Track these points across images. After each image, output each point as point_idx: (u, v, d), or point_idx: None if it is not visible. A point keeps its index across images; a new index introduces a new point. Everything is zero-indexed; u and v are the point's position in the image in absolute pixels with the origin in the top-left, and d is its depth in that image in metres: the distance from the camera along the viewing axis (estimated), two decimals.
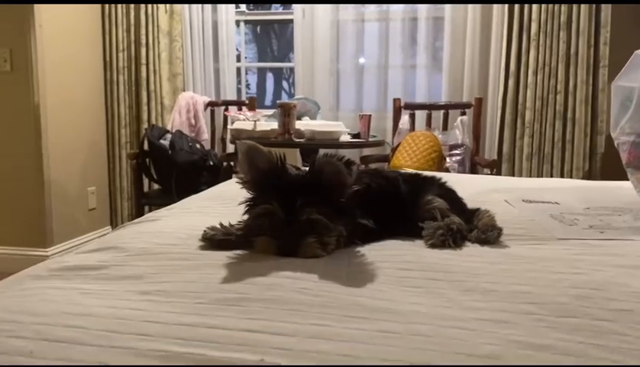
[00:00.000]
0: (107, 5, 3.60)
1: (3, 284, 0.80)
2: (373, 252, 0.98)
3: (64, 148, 3.27)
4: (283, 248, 0.93)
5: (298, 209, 0.92)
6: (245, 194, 1.01)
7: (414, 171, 1.32)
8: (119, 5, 3.59)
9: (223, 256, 0.93)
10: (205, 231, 1.01)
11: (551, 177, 3.20)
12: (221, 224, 1.03)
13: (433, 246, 1.01)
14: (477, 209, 1.16)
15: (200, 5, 3.69)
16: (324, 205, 0.93)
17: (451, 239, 1.02)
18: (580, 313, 0.72)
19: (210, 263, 0.88)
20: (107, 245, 0.98)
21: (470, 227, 1.09)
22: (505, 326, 0.68)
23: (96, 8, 3.60)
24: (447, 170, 2.98)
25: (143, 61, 3.64)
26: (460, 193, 1.26)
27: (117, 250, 0.95)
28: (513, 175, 3.28)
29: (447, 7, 3.47)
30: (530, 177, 3.21)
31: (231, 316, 0.68)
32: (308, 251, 0.93)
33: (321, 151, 1.03)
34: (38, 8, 3.02)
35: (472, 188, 1.61)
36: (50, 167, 3.15)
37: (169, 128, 3.46)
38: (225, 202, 1.38)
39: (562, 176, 3.20)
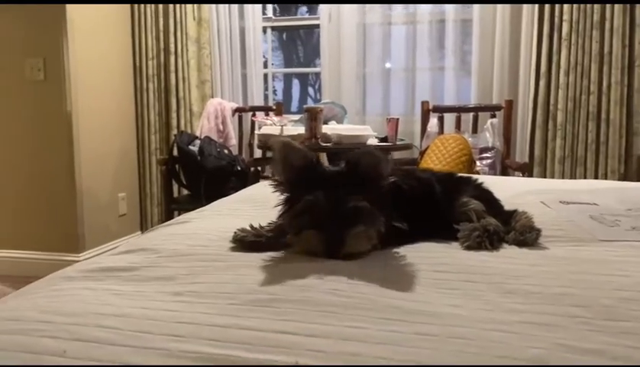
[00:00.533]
0: (137, 14, 3.66)
1: (35, 286, 0.81)
2: (408, 254, 0.96)
3: (95, 155, 3.33)
4: (330, 241, 0.89)
5: (340, 199, 0.89)
6: (277, 196, 0.99)
7: (448, 172, 1.29)
8: (148, 13, 3.64)
9: (254, 257, 0.92)
10: (235, 232, 1.00)
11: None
12: (251, 226, 1.02)
13: (469, 248, 0.98)
14: (514, 211, 1.13)
15: (228, 12, 3.72)
16: (366, 195, 0.90)
17: (488, 241, 0.99)
18: (627, 316, 0.69)
19: (241, 264, 0.87)
20: (138, 247, 0.98)
21: (508, 229, 1.06)
22: (550, 329, 0.65)
23: (126, 16, 3.66)
24: (477, 174, 2.92)
25: (173, 68, 3.68)
26: (497, 195, 1.23)
27: (148, 252, 0.95)
28: (545, 178, 3.20)
29: (476, 8, 3.42)
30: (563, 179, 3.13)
31: (264, 318, 0.66)
32: (355, 242, 0.90)
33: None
34: (71, 17, 3.08)
35: (506, 190, 1.56)
36: (82, 173, 3.20)
37: (197, 134, 3.49)
38: (255, 204, 1.38)
39: (596, 178, 3.11)
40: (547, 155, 3.28)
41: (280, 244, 0.99)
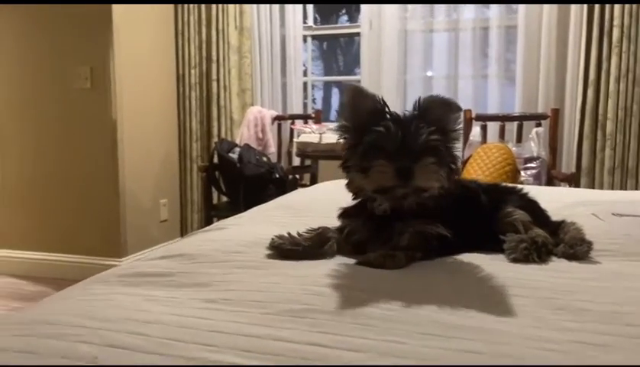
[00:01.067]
0: (180, 23, 3.72)
1: (71, 289, 0.81)
2: (451, 265, 0.92)
3: (138, 161, 3.39)
4: (401, 171, 0.86)
5: (414, 131, 0.87)
6: (314, 198, 0.97)
7: (492, 182, 1.24)
8: (192, 23, 3.70)
9: (290, 266, 0.89)
10: (272, 239, 0.98)
11: None
12: (289, 233, 1.00)
13: (515, 260, 0.94)
14: (562, 222, 1.07)
15: (269, 21, 3.74)
16: (438, 134, 0.88)
17: (536, 254, 0.94)
18: None
19: (277, 272, 0.85)
20: (175, 253, 0.97)
21: (556, 241, 1.00)
22: (606, 350, 0.60)
23: (170, 26, 3.73)
24: (521, 184, 2.83)
25: (214, 77, 3.73)
26: (544, 207, 1.17)
27: (184, 257, 0.94)
28: (594, 189, 3.08)
29: (521, 14, 3.34)
30: None
31: (298, 329, 0.64)
32: (425, 175, 0.87)
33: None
34: (117, 27, 3.15)
35: (553, 201, 1.50)
36: (125, 179, 3.26)
37: (237, 141, 3.52)
38: (292, 212, 1.36)
39: None
40: (596, 166, 3.15)
41: (317, 253, 0.97)
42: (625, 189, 3.07)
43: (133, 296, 0.74)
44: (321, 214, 1.23)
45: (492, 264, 0.92)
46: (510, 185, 1.20)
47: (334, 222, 1.05)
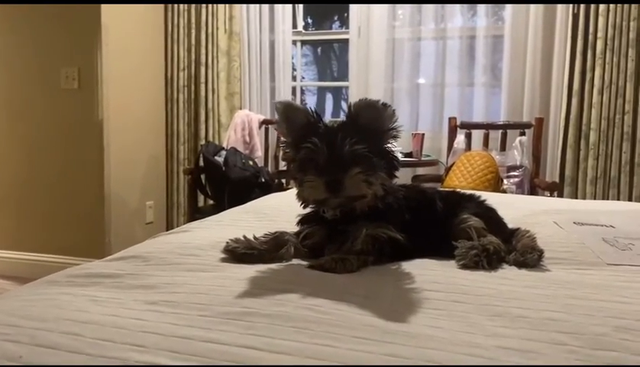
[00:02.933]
0: (170, 26, 3.74)
1: (19, 289, 0.81)
2: (398, 270, 0.93)
3: (125, 163, 3.39)
4: (329, 184, 0.90)
5: (339, 144, 0.91)
6: (288, 203, 1.00)
7: (455, 189, 1.26)
8: (181, 26, 3.72)
9: (242, 269, 0.90)
10: (227, 243, 0.99)
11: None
12: (245, 237, 1.01)
13: (465, 267, 0.95)
14: (517, 230, 1.09)
15: (258, 26, 3.76)
16: (365, 143, 0.91)
17: (486, 260, 0.95)
18: (619, 347, 0.64)
19: (225, 275, 0.86)
20: (130, 254, 0.98)
21: (509, 248, 1.01)
22: (530, 357, 0.61)
23: (160, 28, 3.74)
24: (504, 192, 2.85)
25: (203, 80, 3.74)
26: (510, 214, 1.19)
27: (138, 259, 0.95)
28: (576, 199, 3.10)
29: (507, 24, 3.37)
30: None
31: (232, 331, 0.65)
32: (354, 184, 0.90)
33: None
34: (105, 28, 3.16)
35: (523, 209, 1.52)
36: (111, 180, 3.26)
37: (225, 145, 3.53)
38: (260, 216, 1.37)
39: (630, 201, 2.99)
40: (579, 175, 3.18)
41: (273, 257, 0.98)
42: (607, 198, 3.09)
43: (76, 296, 0.75)
44: (288, 219, 1.23)
45: (440, 270, 0.93)
46: (469, 192, 1.21)
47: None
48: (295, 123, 0.98)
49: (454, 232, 1.04)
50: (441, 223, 1.07)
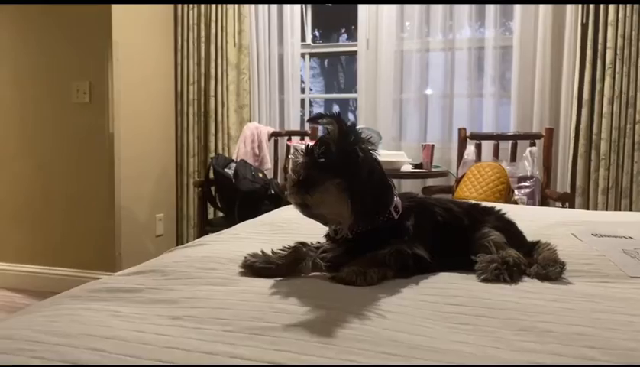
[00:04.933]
0: (180, 40, 3.76)
1: (40, 304, 0.81)
2: (420, 285, 0.92)
3: (135, 176, 3.40)
4: (299, 202, 0.97)
5: (297, 165, 0.98)
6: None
7: (473, 202, 1.25)
8: (191, 40, 3.75)
9: (262, 284, 0.90)
10: (245, 257, 0.99)
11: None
12: (262, 251, 1.01)
13: (485, 281, 0.94)
14: (537, 242, 1.08)
15: (267, 39, 3.79)
16: (319, 161, 0.95)
17: (507, 274, 0.94)
18: None
19: (246, 289, 0.86)
20: (148, 268, 0.98)
21: (530, 261, 1.00)
22: None
23: (169, 42, 3.77)
24: (515, 203, 2.84)
25: (212, 93, 3.76)
26: (526, 226, 1.18)
27: (157, 273, 0.94)
28: (588, 210, 3.08)
29: (516, 35, 3.37)
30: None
31: (257, 347, 0.64)
32: (291, 193, 0.98)
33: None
34: (116, 42, 3.19)
35: (539, 220, 1.51)
36: (121, 193, 3.27)
37: (234, 157, 3.53)
38: (275, 228, 1.36)
39: None
40: (590, 186, 3.16)
41: (291, 271, 0.97)
42: (620, 209, 3.07)
43: (99, 311, 0.75)
44: (305, 231, 1.23)
45: (462, 284, 0.92)
46: (489, 205, 1.20)
47: (315, 239, 1.06)
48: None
49: (474, 246, 1.03)
50: (463, 238, 1.06)
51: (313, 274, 0.99)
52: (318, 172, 0.95)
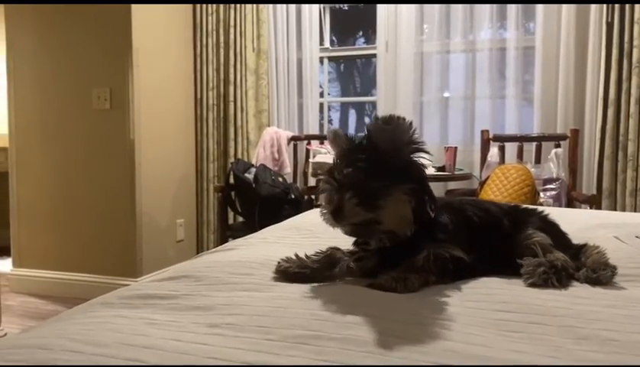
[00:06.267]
0: (199, 46, 3.77)
1: (72, 311, 0.79)
2: (464, 290, 0.88)
3: (156, 182, 3.40)
4: (334, 213, 0.89)
5: (344, 174, 0.89)
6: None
7: (513, 203, 1.20)
8: (210, 46, 3.74)
9: (297, 289, 0.86)
10: (279, 262, 0.96)
11: None
12: (296, 255, 0.97)
13: (533, 285, 0.89)
14: (584, 245, 1.03)
15: (286, 44, 3.77)
16: (369, 164, 0.88)
17: (555, 278, 0.89)
18: None
19: (283, 295, 0.82)
20: (180, 274, 0.95)
21: (577, 265, 0.96)
22: None
23: (189, 48, 3.77)
24: (541, 206, 2.77)
25: (231, 98, 3.75)
26: (564, 228, 1.13)
27: (190, 279, 0.91)
28: (616, 211, 3.00)
29: (538, 35, 3.31)
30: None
31: (302, 356, 0.61)
32: (349, 211, 0.87)
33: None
34: (136, 49, 3.19)
35: (573, 223, 1.45)
36: (142, 199, 3.27)
37: (254, 162, 3.52)
38: (303, 232, 1.33)
39: None
40: (618, 188, 3.08)
41: (326, 276, 0.94)
42: None
43: (133, 319, 0.72)
44: (333, 235, 1.19)
45: (509, 289, 0.88)
46: (530, 206, 1.16)
47: (347, 243, 1.02)
48: (341, 149, 0.97)
49: (518, 248, 0.99)
50: (505, 240, 1.02)
51: (348, 279, 0.95)
52: (379, 179, 0.87)
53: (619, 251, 1.12)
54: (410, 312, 0.75)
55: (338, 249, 0.99)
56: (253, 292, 0.84)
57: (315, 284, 0.90)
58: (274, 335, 0.66)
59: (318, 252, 0.99)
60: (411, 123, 0.91)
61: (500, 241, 1.01)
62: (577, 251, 1.01)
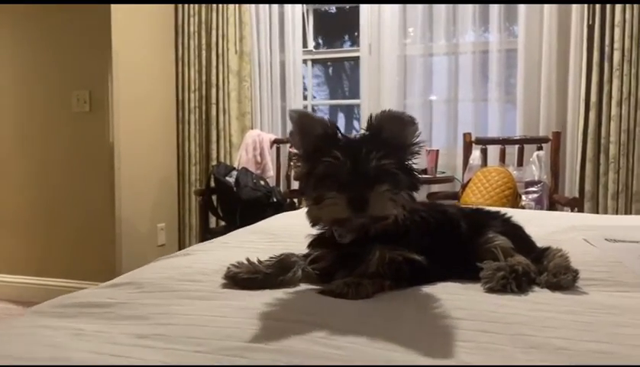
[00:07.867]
0: (180, 48, 3.72)
1: (6, 321, 0.74)
2: (418, 296, 0.84)
3: (136, 185, 3.34)
4: (354, 202, 0.80)
5: (364, 158, 0.81)
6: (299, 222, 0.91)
7: (477, 206, 1.17)
8: (192, 47, 3.70)
9: (245, 297, 0.82)
10: (228, 268, 0.91)
11: None
12: (248, 260, 0.93)
13: (491, 290, 0.86)
14: (547, 248, 0.99)
15: (269, 46, 3.73)
16: (390, 158, 0.82)
17: (515, 283, 0.86)
18: None
19: (227, 304, 0.78)
20: (125, 280, 0.91)
21: (539, 269, 0.92)
22: None
23: (170, 50, 3.72)
24: (522, 208, 2.75)
25: (214, 101, 3.70)
26: (534, 231, 1.10)
27: (133, 286, 0.87)
28: (597, 214, 2.98)
29: (521, 38, 3.29)
30: None
31: None
32: (379, 203, 0.81)
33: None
34: (116, 51, 3.14)
35: (548, 226, 1.42)
36: (122, 203, 3.21)
37: (236, 165, 3.47)
38: (268, 237, 1.29)
39: None
40: (600, 190, 3.06)
41: (279, 281, 0.90)
42: (630, 213, 2.97)
43: (58, 330, 0.67)
44: (298, 239, 1.16)
45: (465, 295, 0.84)
46: (493, 209, 1.12)
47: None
48: (310, 134, 0.89)
49: (478, 252, 0.95)
50: (464, 243, 0.98)
51: (302, 285, 0.91)
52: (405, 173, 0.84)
53: (587, 254, 1.09)
54: (357, 320, 0.72)
55: (293, 254, 0.95)
56: (195, 300, 0.80)
57: (266, 291, 0.86)
58: (205, 346, 0.62)
59: (271, 257, 0.95)
60: (418, 125, 0.87)
61: (459, 244, 0.98)
62: (540, 255, 0.98)
